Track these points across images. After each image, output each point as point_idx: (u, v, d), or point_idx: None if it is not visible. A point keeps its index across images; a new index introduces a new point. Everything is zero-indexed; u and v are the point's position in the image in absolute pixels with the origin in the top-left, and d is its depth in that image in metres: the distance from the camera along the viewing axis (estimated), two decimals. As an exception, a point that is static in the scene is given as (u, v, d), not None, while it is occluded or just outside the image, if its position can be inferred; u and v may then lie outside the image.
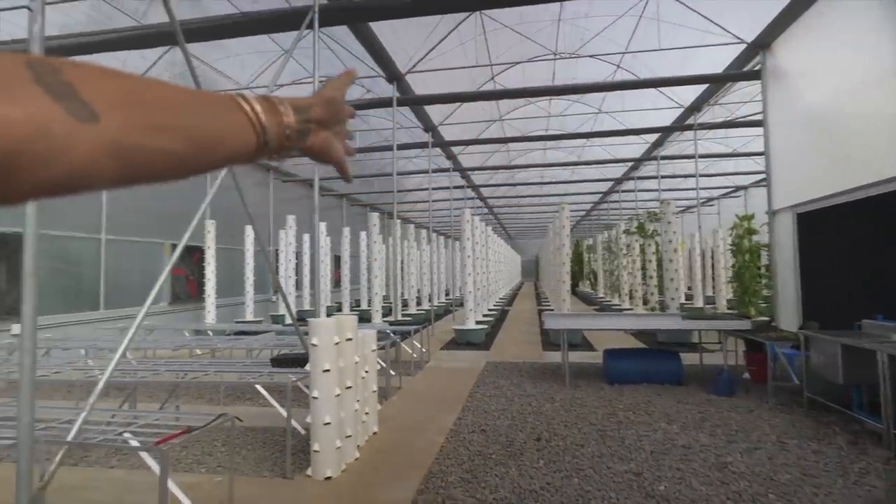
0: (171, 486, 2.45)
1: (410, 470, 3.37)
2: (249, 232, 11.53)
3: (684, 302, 12.28)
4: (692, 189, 16.84)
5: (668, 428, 4.21)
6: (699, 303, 13.32)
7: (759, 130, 10.45)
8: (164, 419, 3.15)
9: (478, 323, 9.70)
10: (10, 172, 0.27)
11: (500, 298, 18.80)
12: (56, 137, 0.28)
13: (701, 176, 10.53)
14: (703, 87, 9.28)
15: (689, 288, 17.22)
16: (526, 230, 41.24)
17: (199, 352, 7.13)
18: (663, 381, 5.73)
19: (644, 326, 6.18)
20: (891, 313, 4.25)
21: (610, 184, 19.78)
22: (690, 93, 9.98)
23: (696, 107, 9.99)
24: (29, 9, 2.07)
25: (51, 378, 4.50)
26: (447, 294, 20.63)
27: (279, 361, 4.18)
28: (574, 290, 18.72)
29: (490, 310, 13.24)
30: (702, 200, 10.65)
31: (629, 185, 17.84)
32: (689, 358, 6.58)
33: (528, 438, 3.99)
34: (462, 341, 9.18)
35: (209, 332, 8.75)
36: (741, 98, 10.97)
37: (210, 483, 3.23)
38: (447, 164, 14.11)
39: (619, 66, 10.46)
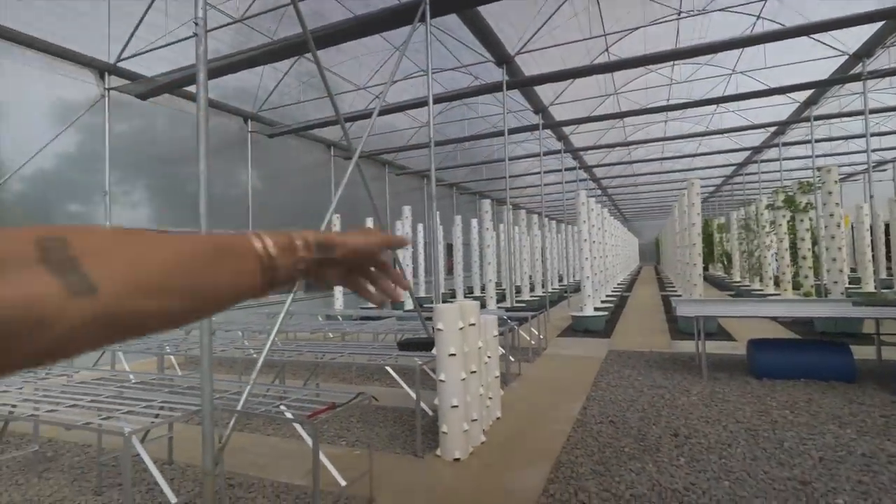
0: (321, 455, 2.68)
1: (538, 457, 3.31)
2: (370, 223, 12.27)
3: (849, 286, 10.45)
4: (858, 152, 14.21)
5: (839, 432, 3.60)
6: (870, 286, 11.25)
7: (958, 72, 8.43)
8: (308, 395, 3.47)
9: (596, 309, 9.25)
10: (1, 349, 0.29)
11: (619, 284, 17.77)
12: (43, 315, 0.30)
13: (872, 135, 8.79)
14: (877, 25, 7.68)
15: (853, 269, 14.64)
16: (643, 212, 38.40)
17: (331, 335, 7.79)
18: (827, 377, 4.93)
19: (801, 313, 5.35)
20: None
21: (745, 154, 17.52)
22: (855, 37, 8.35)
23: (865, 52, 8.33)
24: (195, 34, 2.37)
25: (218, 355, 5.23)
26: (560, 280, 20.05)
27: (405, 345, 4.36)
28: (704, 275, 16.98)
29: (608, 296, 12.57)
30: (873, 164, 8.87)
31: (771, 153, 15.61)
32: (860, 352, 5.58)
33: (663, 433, 3.69)
34: (580, 328, 8.84)
35: (339, 317, 9.53)
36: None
37: (350, 455, 3.49)
38: (558, 145, 13.59)
39: (759, 16, 9.11)
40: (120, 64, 7.27)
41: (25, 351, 0.30)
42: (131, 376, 3.96)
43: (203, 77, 2.43)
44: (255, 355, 4.65)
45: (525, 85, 9.15)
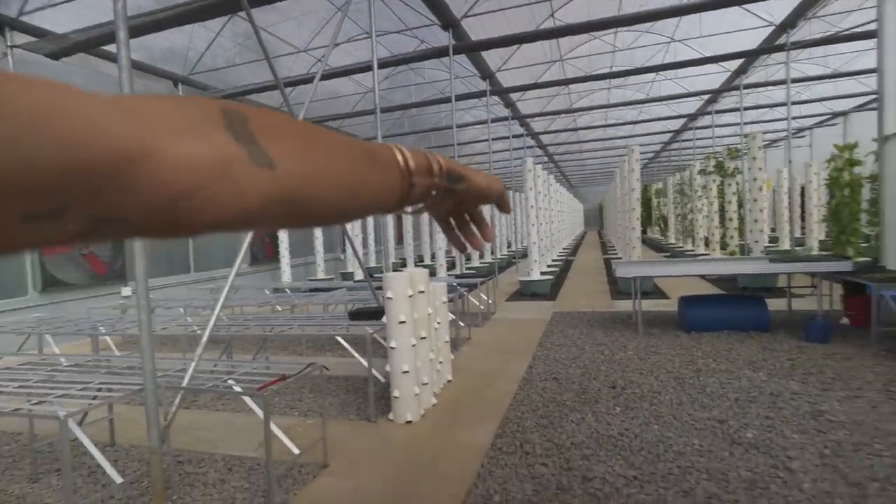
0: (272, 426, 2.70)
1: (487, 415, 3.48)
2: (316, 193, 11.93)
3: (768, 245, 11.39)
4: (780, 119, 15.21)
5: (753, 375, 4.01)
6: (786, 245, 12.31)
7: (867, 45, 9.10)
8: (258, 368, 3.44)
9: (543, 273, 9.59)
10: (193, 207, 0.29)
11: (564, 248, 18.43)
12: (237, 179, 0.30)
13: (793, 104, 9.43)
14: (799, -1, 8.14)
15: (773, 230, 15.95)
16: (588, 178, 39.58)
17: (279, 308, 7.65)
18: (746, 328, 5.43)
19: (726, 271, 5.81)
20: None
21: (682, 121, 18.33)
22: (781, 8, 8.80)
23: (789, 23, 8.82)
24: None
25: (159, 333, 5.03)
26: (509, 246, 20.51)
27: (356, 315, 4.38)
28: (642, 238, 17.95)
29: (554, 260, 13.03)
30: (792, 132, 9.58)
31: (705, 120, 16.42)
32: (774, 304, 6.16)
33: (602, 386, 3.97)
34: (527, 292, 9.16)
35: (287, 289, 9.35)
36: (845, 6, 9.54)
37: (303, 425, 3.52)
38: (505, 112, 13.63)
39: (695, -14, 9.37)
40: (24, 18, 6.51)
41: (218, 214, 0.30)
42: (62, 360, 3.75)
43: (124, 35, 2.25)
44: (199, 332, 4.51)
45: (472, 50, 9.04)
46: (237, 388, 2.73)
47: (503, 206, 0.58)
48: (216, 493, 2.64)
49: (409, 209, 0.49)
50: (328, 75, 9.43)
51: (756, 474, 2.51)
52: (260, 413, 2.96)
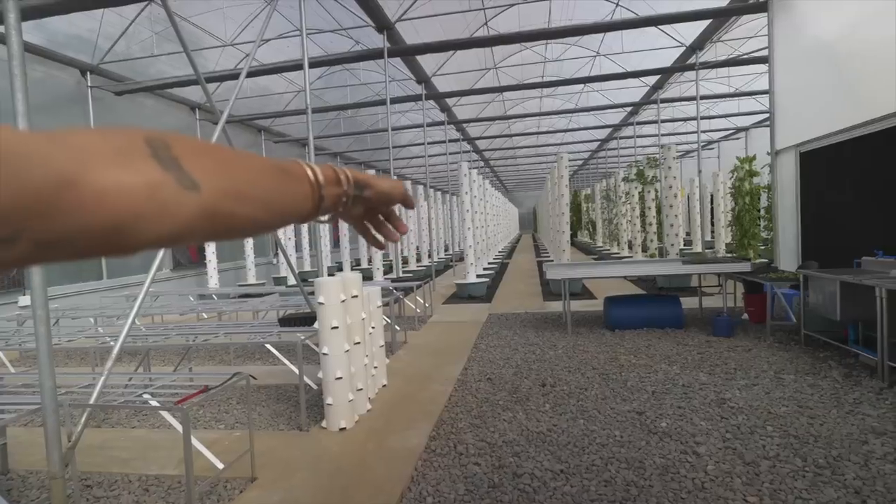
0: (194, 441, 2.55)
1: (421, 418, 3.49)
2: (245, 195, 11.40)
3: (683, 248, 12.35)
4: (692, 132, 16.54)
5: (668, 369, 4.34)
6: (698, 248, 13.40)
7: (763, 68, 10.12)
8: (179, 381, 3.23)
9: (478, 276, 9.78)
10: (126, 230, 0.32)
11: (500, 251, 18.89)
12: (166, 202, 0.33)
13: (702, 118, 10.31)
14: (706, 23, 8.92)
15: (688, 234, 17.34)
16: (523, 182, 40.90)
17: (205, 316, 7.23)
18: (664, 325, 5.85)
19: (644, 272, 6.25)
20: (891, 250, 4.28)
21: (608, 131, 19.43)
22: (692, 30, 9.60)
23: (697, 45, 9.65)
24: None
25: (64, 346, 4.58)
26: (446, 250, 20.70)
27: (287, 321, 4.24)
28: (573, 241, 18.82)
29: (490, 263, 13.33)
30: (702, 144, 10.48)
31: (628, 131, 17.52)
32: (688, 302, 6.69)
33: (533, 384, 4.12)
34: (464, 295, 9.30)
35: (213, 296, 8.84)
36: (745, 33, 10.58)
37: (229, 438, 3.35)
38: (441, 116, 13.78)
39: (618, 4, 10.01)
40: None
41: (150, 234, 0.33)
42: (-57, 379, 3.32)
43: (14, 18, 2.04)
44: (111, 343, 4.16)
45: (406, 54, 9.06)
46: (153, 403, 2.55)
47: (407, 204, 0.63)
48: (130, 517, 2.45)
49: (323, 217, 0.53)
50: (256, 72, 9.06)
51: (668, 460, 2.71)
52: (179, 428, 2.79)
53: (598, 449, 2.90)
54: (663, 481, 2.51)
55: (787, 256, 6.19)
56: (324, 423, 3.42)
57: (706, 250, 12.30)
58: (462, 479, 2.62)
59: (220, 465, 2.76)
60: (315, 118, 5.03)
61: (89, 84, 8.80)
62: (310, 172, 0.49)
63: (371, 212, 0.60)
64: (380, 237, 0.63)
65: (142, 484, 2.78)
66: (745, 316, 6.17)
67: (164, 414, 3.02)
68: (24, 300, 6.82)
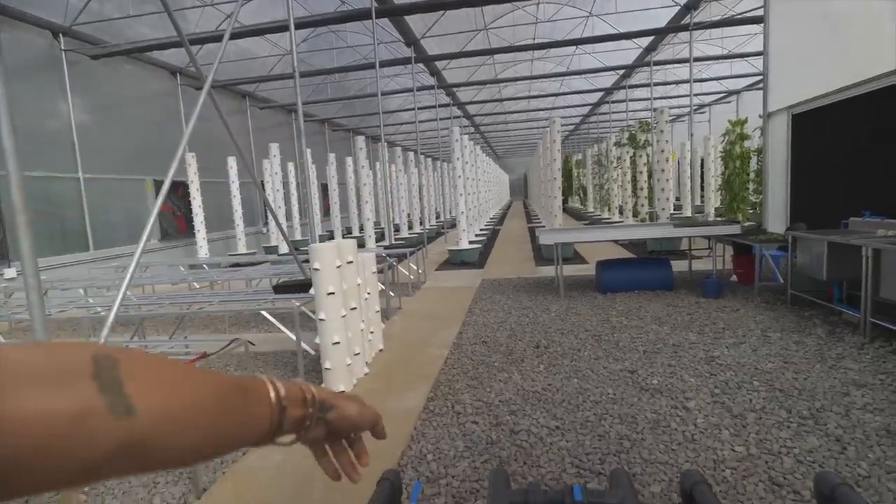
0: (195, 406, 2.58)
1: (419, 380, 3.56)
2: (232, 163, 11.18)
3: (674, 212, 12.44)
4: (685, 96, 16.38)
5: (659, 329, 4.43)
6: (688, 212, 13.50)
7: (757, 30, 9.96)
8: (176, 348, 3.24)
9: (471, 243, 9.80)
10: (23, 466, 0.28)
11: (491, 218, 18.89)
12: (89, 431, 0.30)
13: (695, 81, 10.19)
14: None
15: (678, 199, 17.43)
16: (514, 148, 40.51)
17: (196, 285, 7.20)
18: (654, 287, 5.95)
19: (635, 236, 6.30)
20: (879, 209, 4.35)
21: (600, 95, 19.16)
22: (687, -11, 9.37)
23: (692, 4, 9.43)
24: None
25: (55, 317, 4.55)
26: (437, 217, 20.63)
27: (281, 288, 4.23)
28: (564, 207, 18.87)
29: (482, 229, 13.34)
30: (694, 108, 10.38)
31: (620, 95, 17.29)
32: (678, 265, 6.78)
33: (527, 347, 4.19)
34: (456, 261, 9.34)
35: (204, 265, 8.78)
36: (740, -8, 10.37)
37: (230, 403, 3.39)
38: (431, 81, 13.46)
39: (611, -39, 9.69)
40: None
41: (67, 467, 0.30)
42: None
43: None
44: (103, 313, 4.14)
45: (394, 14, 8.75)
46: (153, 370, 2.56)
47: (377, 434, 0.59)
48: (135, 480, 2.50)
49: (283, 440, 0.49)
50: (240, 33, 8.73)
51: (659, 415, 2.81)
52: (180, 394, 2.81)
53: (592, 406, 2.98)
54: (654, 434, 2.60)
55: (776, 219, 6.27)
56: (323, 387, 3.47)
57: (696, 214, 12.40)
58: (461, 437, 2.69)
59: (223, 429, 2.81)
60: (301, 83, 4.87)
61: (63, 47, 8.42)
62: (272, 393, 0.46)
63: (333, 435, 0.55)
64: (338, 466, 0.57)
65: (145, 448, 2.82)
66: (734, 278, 6.28)
67: (164, 380, 3.03)
68: (10, 273, 6.72)
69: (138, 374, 0.34)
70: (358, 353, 3.64)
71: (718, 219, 9.00)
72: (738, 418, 2.71)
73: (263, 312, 4.04)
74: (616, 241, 10.24)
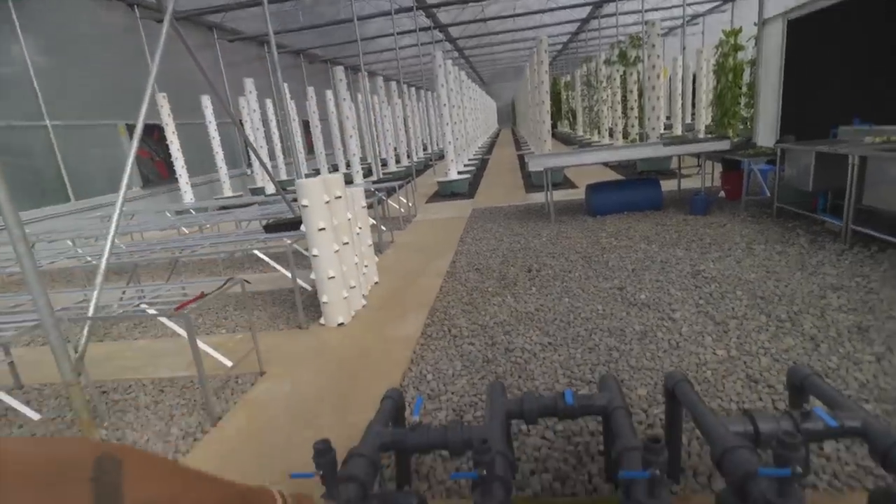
0: (200, 343, 2.65)
1: (415, 309, 3.66)
2: (207, 103, 10.69)
3: (664, 131, 12.24)
4: (677, 6, 15.55)
5: (647, 248, 4.52)
6: (679, 130, 13.30)
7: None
8: (173, 291, 3.27)
9: (460, 173, 9.68)
10: None
11: (480, 147, 18.52)
12: None
13: (688, -12, 9.60)
14: None
15: (668, 117, 17.07)
16: (500, 73, 38.89)
17: (185, 230, 7.14)
18: (643, 208, 5.99)
19: (625, 157, 6.24)
20: (869, 116, 4.31)
21: (589, 9, 18.12)
22: None
23: None
24: None
25: (46, 268, 4.54)
26: (424, 149, 20.18)
27: (272, 228, 4.22)
28: (553, 132, 18.45)
29: (470, 159, 13.12)
30: (687, 18, 9.87)
31: (610, 8, 16.36)
32: (667, 185, 6.79)
33: (519, 271, 4.28)
34: (446, 193, 9.27)
35: (191, 210, 8.66)
36: None
37: (233, 340, 3.50)
38: (409, 1, 12.60)
39: None
40: None
41: None
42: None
43: None
44: (94, 262, 4.13)
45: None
46: (152, 311, 2.61)
47: None
48: (151, 413, 2.62)
49: None
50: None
51: (647, 327, 2.94)
52: (183, 333, 2.89)
53: (583, 322, 3.11)
54: (642, 344, 2.74)
55: (767, 133, 6.20)
56: (322, 321, 3.57)
57: (686, 133, 12.22)
58: (458, 358, 2.82)
59: (229, 363, 2.91)
60: (271, 10, 4.52)
61: (4, -21, 7.69)
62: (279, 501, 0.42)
63: None
64: None
65: (156, 386, 2.94)
66: (722, 194, 6.33)
67: (166, 321, 3.10)
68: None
69: (139, 483, 0.32)
70: (354, 287, 3.71)
71: (708, 136, 8.90)
72: (720, 325, 2.85)
73: (257, 251, 4.06)
74: (606, 164, 10.17)
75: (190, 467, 0.41)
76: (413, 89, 18.53)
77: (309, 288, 4.20)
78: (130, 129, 9.63)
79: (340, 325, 3.51)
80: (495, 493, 1.11)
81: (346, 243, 3.66)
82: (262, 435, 2.29)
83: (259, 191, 11.75)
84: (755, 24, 6.42)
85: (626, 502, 1.10)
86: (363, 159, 14.96)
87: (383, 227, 5.97)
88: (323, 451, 1.17)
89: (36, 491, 0.27)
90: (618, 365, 2.55)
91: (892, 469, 1.18)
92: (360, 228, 4.09)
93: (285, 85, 9.84)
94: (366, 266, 4.17)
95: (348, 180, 9.74)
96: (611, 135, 13.16)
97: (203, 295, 2.63)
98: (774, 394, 2.15)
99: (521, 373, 2.58)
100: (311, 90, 12.98)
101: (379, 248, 5.42)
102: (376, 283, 4.38)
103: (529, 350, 2.81)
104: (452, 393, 2.46)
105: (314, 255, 3.43)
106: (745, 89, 8.79)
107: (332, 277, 3.43)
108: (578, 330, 3.00)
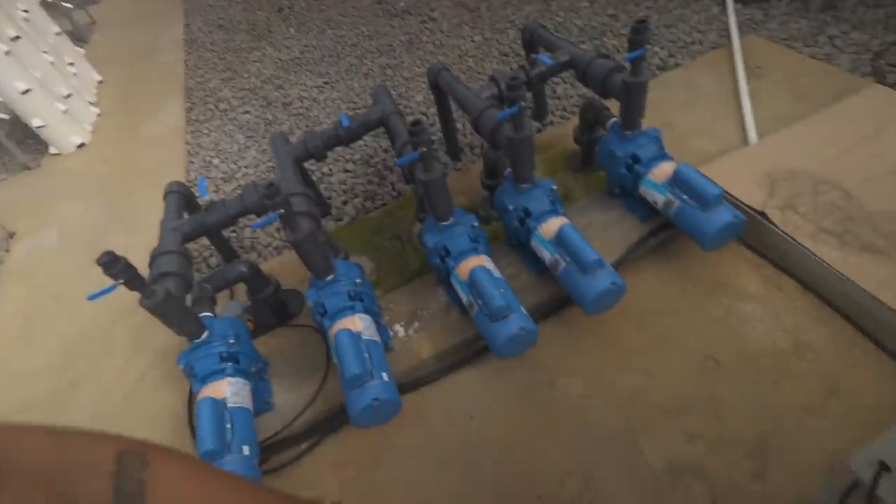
0: None
1: (167, 96, 3.06)
2: None
3: None
4: None
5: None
6: None
7: None
8: None
9: None
10: None
11: None
12: None
13: None
14: None
15: None
16: None
17: None
18: None
19: None
20: None
21: None
22: None
23: None
24: None
25: None
26: None
27: None
28: None
29: None
30: None
31: None
32: None
33: (269, 14, 3.68)
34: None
35: None
36: None
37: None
38: None
39: None
40: None
41: None
42: None
43: None
44: None
45: None
46: None
47: None
48: None
49: None
50: None
51: (412, 35, 2.92)
52: None
53: (351, 49, 2.96)
54: (410, 53, 2.76)
55: None
56: (52, 150, 2.84)
57: None
58: (238, 131, 2.58)
59: (-45, 240, 2.30)
60: None
61: None
62: None
63: None
64: None
65: None
66: None
67: None
68: None
69: (167, 483, 0.29)
70: (70, 95, 2.88)
71: None
72: (474, 12, 2.95)
73: None
74: None
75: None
76: None
77: (4, 116, 3.15)
78: None
79: (81, 146, 2.85)
80: (301, 226, 1.19)
81: (18, 37, 2.64)
82: (47, 304, 2.02)
83: None
84: None
85: (413, 182, 1.27)
86: None
87: (68, 4, 4.35)
88: (111, 262, 1.08)
89: (47, 493, 0.26)
90: (393, 80, 2.60)
91: (589, 83, 1.51)
92: (25, 12, 2.92)
93: None
94: (70, 64, 3.18)
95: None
96: None
97: None
98: (522, 60, 2.45)
99: (307, 121, 2.50)
100: None
101: (78, 36, 4.07)
102: (100, 81, 3.44)
103: (308, 97, 2.67)
104: (246, 167, 2.34)
105: (-22, 69, 2.46)
106: None
107: (28, 90, 2.58)
108: (349, 60, 2.87)
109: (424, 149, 1.16)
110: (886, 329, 1.19)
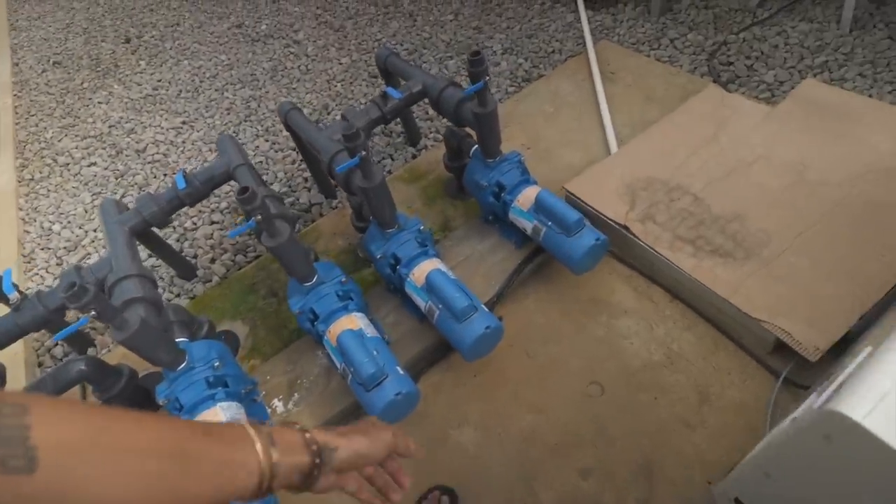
0: None
1: (-8, 153, 2.63)
2: None
3: None
4: None
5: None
6: None
7: None
8: None
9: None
10: None
11: None
12: None
13: None
14: None
15: None
16: None
17: None
18: None
19: None
20: None
21: None
22: None
23: None
24: None
25: None
26: None
27: None
28: None
29: None
30: None
31: None
32: None
33: (116, 46, 3.29)
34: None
35: None
36: None
37: None
38: None
39: None
40: None
41: None
42: None
43: None
44: None
45: None
46: None
47: (407, 455, 0.53)
48: None
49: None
50: None
51: (276, 60, 2.74)
52: None
53: (211, 82, 2.71)
54: (275, 81, 2.59)
55: None
56: None
57: None
58: (84, 188, 2.26)
59: None
60: None
61: None
62: (256, 439, 0.39)
63: (349, 473, 0.49)
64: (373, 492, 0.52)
65: None
66: None
67: None
68: None
69: (50, 426, 0.28)
70: None
71: None
72: (339, 31, 2.83)
73: None
74: None
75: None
76: None
77: None
78: None
79: None
80: (280, 230, 1.09)
81: None
82: None
83: None
84: None
85: (350, 192, 1.22)
86: None
87: None
88: None
89: None
90: (258, 113, 2.41)
91: (443, 112, 1.46)
92: None
93: None
94: None
95: None
96: None
97: None
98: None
99: (165, 169, 2.25)
100: None
101: None
102: None
103: (164, 140, 2.41)
104: (94, 231, 2.05)
105: None
106: None
107: None
108: (209, 94, 2.63)
109: (364, 152, 1.09)
110: (743, 330, 1.25)
